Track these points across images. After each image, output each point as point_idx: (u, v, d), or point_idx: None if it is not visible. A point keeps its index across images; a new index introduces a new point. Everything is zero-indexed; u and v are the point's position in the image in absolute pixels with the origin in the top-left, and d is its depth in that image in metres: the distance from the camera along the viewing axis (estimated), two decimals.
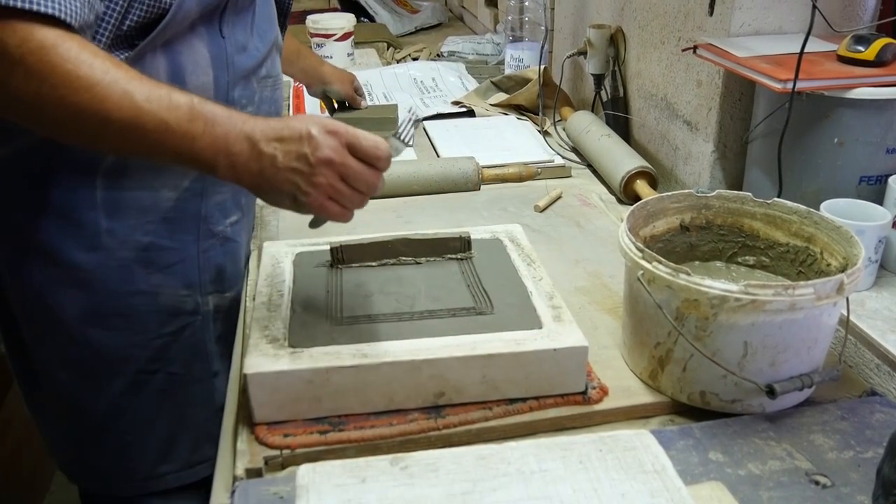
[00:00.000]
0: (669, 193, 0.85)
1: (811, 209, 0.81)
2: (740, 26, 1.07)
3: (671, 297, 0.71)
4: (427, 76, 1.87)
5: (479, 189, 1.26)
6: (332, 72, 1.42)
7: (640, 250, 0.73)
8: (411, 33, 2.53)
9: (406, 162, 1.28)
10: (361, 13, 2.51)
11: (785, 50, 0.98)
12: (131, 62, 0.77)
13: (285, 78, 1.27)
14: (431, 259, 0.89)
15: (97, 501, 1.07)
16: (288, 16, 1.10)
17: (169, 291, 0.92)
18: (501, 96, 1.69)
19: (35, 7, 0.64)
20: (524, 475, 0.60)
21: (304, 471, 0.61)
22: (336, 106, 1.46)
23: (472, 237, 0.91)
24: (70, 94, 0.66)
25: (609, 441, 0.63)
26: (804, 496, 0.64)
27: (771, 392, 0.69)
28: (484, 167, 1.28)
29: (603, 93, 1.50)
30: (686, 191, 0.85)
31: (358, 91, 1.45)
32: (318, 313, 0.79)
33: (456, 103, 1.67)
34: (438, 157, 1.39)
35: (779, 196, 0.89)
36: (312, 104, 1.63)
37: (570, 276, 0.99)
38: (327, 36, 1.96)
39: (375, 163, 0.69)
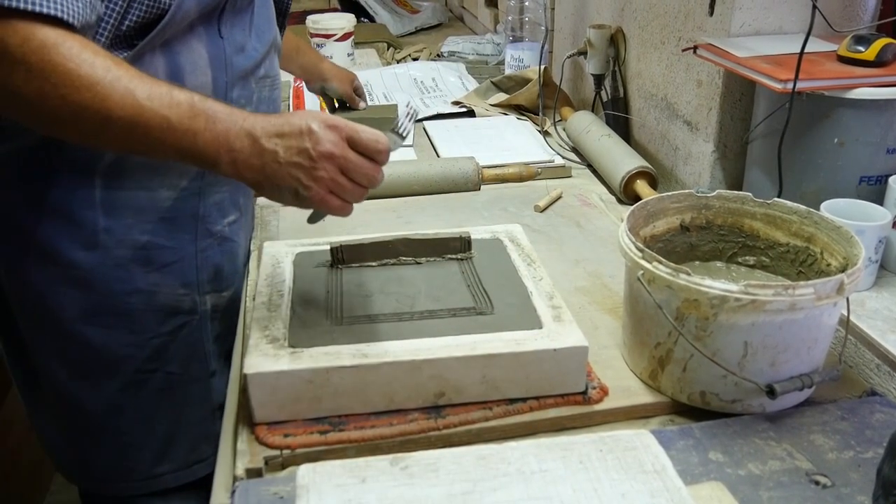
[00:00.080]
0: (669, 193, 0.85)
1: (811, 209, 0.81)
2: (740, 26, 1.07)
3: (671, 297, 0.71)
4: (427, 76, 1.87)
5: (480, 189, 1.26)
6: (331, 69, 1.42)
7: (641, 250, 0.73)
8: (411, 33, 2.53)
9: (406, 162, 1.28)
10: (361, 13, 2.52)
11: (785, 50, 0.98)
12: (130, 62, 0.77)
13: (284, 78, 1.27)
14: (431, 259, 0.89)
15: (97, 502, 1.07)
16: (287, 16, 1.10)
17: (167, 290, 0.92)
18: (501, 96, 1.69)
19: (37, 8, 0.65)
20: (524, 475, 0.60)
21: (305, 471, 0.61)
22: (336, 105, 1.46)
23: (473, 237, 0.91)
24: (72, 92, 0.66)
25: (609, 441, 0.63)
26: (804, 496, 0.64)
27: (771, 392, 0.69)
28: (484, 167, 1.28)
29: (603, 93, 1.50)
30: (686, 191, 0.85)
31: (358, 91, 1.45)
32: (318, 313, 0.79)
33: (456, 103, 1.67)
34: (438, 157, 1.39)
35: (779, 196, 0.89)
36: (312, 104, 1.63)
37: (570, 276, 0.99)
38: (327, 36, 1.96)
39: (375, 156, 0.70)
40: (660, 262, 0.70)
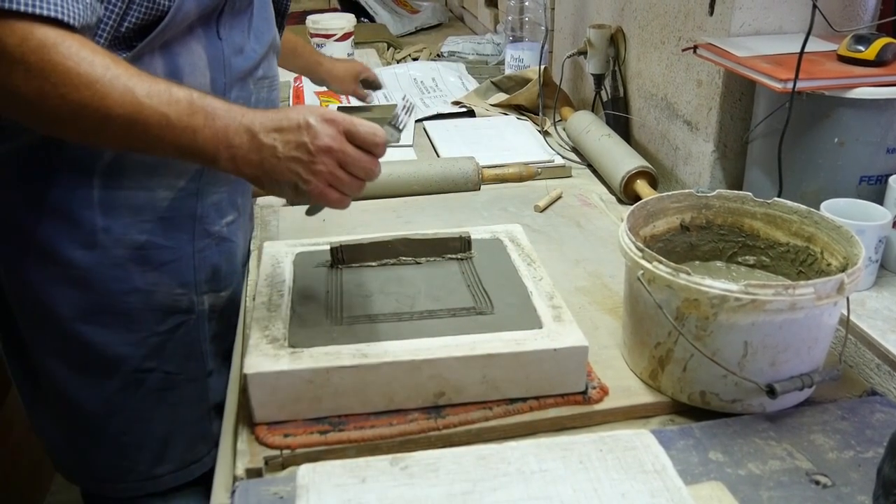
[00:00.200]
0: (669, 193, 0.85)
1: (811, 209, 0.81)
2: (740, 26, 1.07)
3: (671, 296, 0.70)
4: (427, 76, 1.87)
5: (480, 189, 1.26)
6: (330, 71, 1.41)
7: (641, 250, 0.73)
8: (411, 33, 2.53)
9: (406, 162, 1.28)
10: (361, 13, 2.52)
11: (785, 50, 0.98)
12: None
13: (284, 78, 1.27)
14: (431, 259, 0.89)
15: (98, 502, 1.07)
16: (285, 17, 1.10)
17: (164, 290, 0.92)
18: (501, 96, 1.69)
19: (36, 10, 0.65)
20: (524, 475, 0.60)
21: (305, 471, 0.61)
22: (337, 108, 1.46)
23: (472, 237, 0.91)
24: (71, 91, 0.66)
25: (609, 441, 0.63)
26: (804, 496, 0.64)
27: (771, 392, 0.69)
28: (484, 167, 1.28)
29: (603, 93, 1.50)
30: (686, 191, 0.85)
31: (369, 81, 1.44)
32: (318, 313, 0.79)
33: (456, 103, 1.67)
34: (438, 157, 1.39)
35: (779, 196, 0.89)
36: (312, 104, 1.63)
37: (570, 276, 0.99)
38: (327, 36, 1.96)
39: (373, 149, 0.71)
40: (660, 262, 0.70)
